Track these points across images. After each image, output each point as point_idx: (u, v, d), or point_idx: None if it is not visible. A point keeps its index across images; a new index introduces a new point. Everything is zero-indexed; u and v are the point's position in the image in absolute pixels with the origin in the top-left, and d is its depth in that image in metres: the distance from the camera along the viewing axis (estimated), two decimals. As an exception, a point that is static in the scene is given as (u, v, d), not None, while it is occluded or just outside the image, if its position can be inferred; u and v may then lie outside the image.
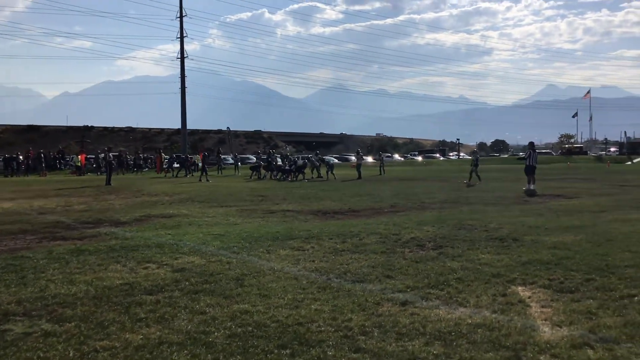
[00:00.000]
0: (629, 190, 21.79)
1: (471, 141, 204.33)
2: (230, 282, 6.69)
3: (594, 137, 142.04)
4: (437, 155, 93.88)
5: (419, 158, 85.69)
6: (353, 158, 77.46)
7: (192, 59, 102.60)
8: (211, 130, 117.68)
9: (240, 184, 28.10)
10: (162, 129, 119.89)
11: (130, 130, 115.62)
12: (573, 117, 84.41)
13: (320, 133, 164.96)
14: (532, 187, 22.30)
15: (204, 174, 31.40)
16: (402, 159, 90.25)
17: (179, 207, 16.22)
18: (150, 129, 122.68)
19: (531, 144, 24.12)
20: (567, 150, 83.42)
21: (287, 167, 32.91)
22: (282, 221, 12.87)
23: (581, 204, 16.19)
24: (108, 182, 27.37)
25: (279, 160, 37.69)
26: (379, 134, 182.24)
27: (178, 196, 20.32)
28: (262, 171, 34.83)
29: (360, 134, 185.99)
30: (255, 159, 41.96)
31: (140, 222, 12.85)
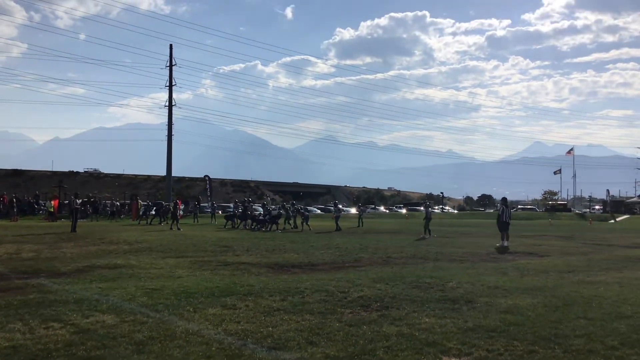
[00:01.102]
0: (603, 249, 21.27)
1: (459, 195, 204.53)
2: (130, 347, 5.98)
3: (579, 194, 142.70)
4: (421, 208, 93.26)
5: (403, 210, 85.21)
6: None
7: (179, 107, 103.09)
8: (198, 178, 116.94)
9: (210, 234, 27.32)
10: (149, 176, 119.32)
11: (116, 176, 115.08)
12: (555, 173, 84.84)
13: (308, 184, 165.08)
14: (505, 243, 21.78)
15: (175, 222, 30.69)
16: (387, 211, 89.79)
17: (132, 257, 15.46)
18: (136, 175, 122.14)
19: (504, 199, 23.72)
20: (551, 206, 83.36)
21: (261, 217, 32.22)
22: (231, 274, 12.17)
23: (550, 263, 15.60)
24: (73, 229, 26.50)
25: (260, 209, 37.05)
26: (391, 187, 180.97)
27: (139, 245, 19.55)
28: (237, 221, 34.16)
29: (349, 185, 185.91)
30: (232, 207, 41.27)
31: (80, 273, 12.09)
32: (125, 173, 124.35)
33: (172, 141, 71.06)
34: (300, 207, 35.85)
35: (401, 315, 8.03)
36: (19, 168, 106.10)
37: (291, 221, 34.07)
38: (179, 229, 29.88)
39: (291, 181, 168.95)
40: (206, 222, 40.70)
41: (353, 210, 75.93)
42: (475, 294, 9.97)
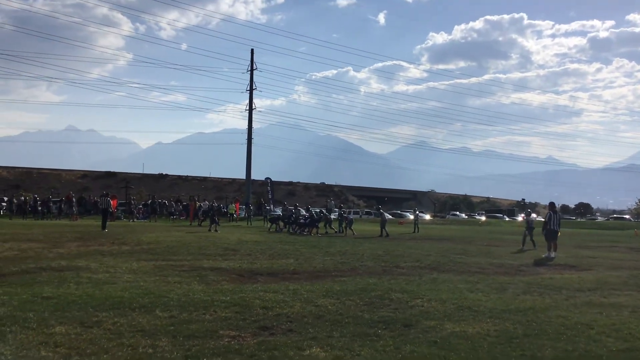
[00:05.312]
0: (668, 264, 18.09)
1: (557, 203, 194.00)
2: None
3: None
4: (503, 215, 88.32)
5: (482, 218, 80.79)
6: (410, 215, 74.62)
7: (259, 110, 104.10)
8: (282, 182, 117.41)
9: (241, 236, 26.03)
10: (234, 179, 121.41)
11: (202, 179, 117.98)
12: (655, 179, 77.88)
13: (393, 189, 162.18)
14: (552, 254, 19.08)
15: (214, 224, 29.94)
16: (466, 217, 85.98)
17: (106, 259, 14.39)
18: (222, 178, 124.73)
19: (552, 204, 20.88)
20: (647, 216, 76.51)
21: (302, 221, 30.89)
22: (175, 282, 10.75)
23: (579, 278, 13.07)
24: (103, 227, 26.21)
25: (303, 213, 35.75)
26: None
27: (142, 247, 18.57)
28: (281, 223, 33.09)
29: (438, 191, 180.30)
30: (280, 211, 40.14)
31: (15, 275, 11.09)
32: (211, 176, 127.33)
33: (263, 146, 71.75)
34: (344, 212, 34.10)
35: (287, 342, 6.30)
36: (116, 171, 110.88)
37: (334, 225, 32.50)
38: (216, 230, 29.04)
39: (383, 187, 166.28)
40: (260, 225, 39.81)
41: (427, 217, 73.09)
42: (428, 316, 8.04)
